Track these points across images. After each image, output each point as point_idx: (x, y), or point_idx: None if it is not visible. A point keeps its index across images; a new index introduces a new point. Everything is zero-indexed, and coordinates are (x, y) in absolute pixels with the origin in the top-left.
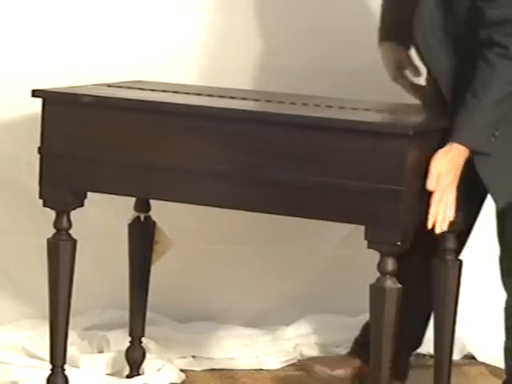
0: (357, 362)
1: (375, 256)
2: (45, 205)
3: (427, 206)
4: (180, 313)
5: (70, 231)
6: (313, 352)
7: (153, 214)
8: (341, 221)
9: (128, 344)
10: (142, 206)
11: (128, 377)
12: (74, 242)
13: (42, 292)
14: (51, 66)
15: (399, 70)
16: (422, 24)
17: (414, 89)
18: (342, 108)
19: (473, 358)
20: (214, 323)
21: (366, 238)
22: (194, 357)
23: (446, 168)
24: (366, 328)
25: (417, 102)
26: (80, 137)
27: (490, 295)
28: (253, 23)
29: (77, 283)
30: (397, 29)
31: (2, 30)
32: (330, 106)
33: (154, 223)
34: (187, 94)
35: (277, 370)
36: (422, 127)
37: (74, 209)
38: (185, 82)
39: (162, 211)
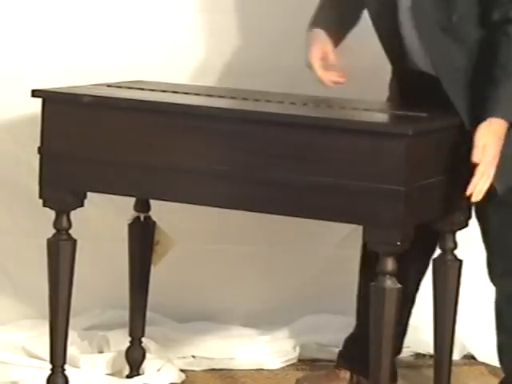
0: (346, 374)
1: None
2: (45, 205)
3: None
4: (180, 313)
5: (70, 231)
6: (313, 352)
7: (153, 213)
8: (341, 221)
9: (128, 344)
10: (142, 205)
11: (128, 377)
12: (74, 242)
13: (42, 292)
14: (51, 66)
15: (321, 60)
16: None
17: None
18: (342, 108)
19: (473, 358)
20: (213, 323)
21: (365, 238)
22: (193, 357)
23: (490, 140)
24: (348, 341)
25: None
26: (80, 137)
27: (490, 295)
28: (253, 23)
29: (77, 283)
30: (333, 22)
31: (2, 30)
32: (330, 106)
33: (154, 223)
34: (187, 93)
35: (277, 369)
36: (422, 127)
37: (73, 209)
38: (184, 81)
39: (161, 211)
